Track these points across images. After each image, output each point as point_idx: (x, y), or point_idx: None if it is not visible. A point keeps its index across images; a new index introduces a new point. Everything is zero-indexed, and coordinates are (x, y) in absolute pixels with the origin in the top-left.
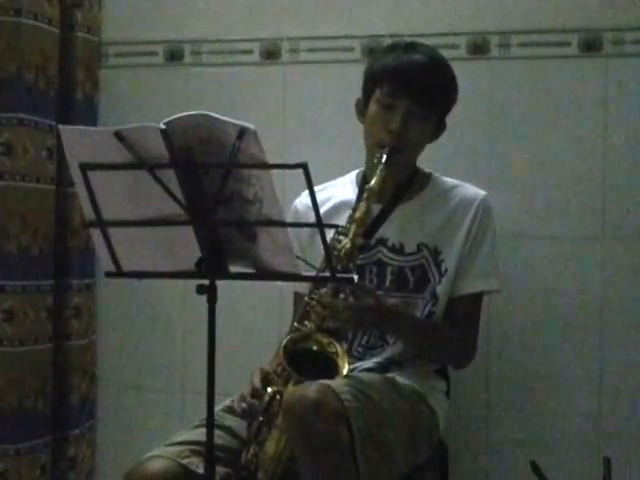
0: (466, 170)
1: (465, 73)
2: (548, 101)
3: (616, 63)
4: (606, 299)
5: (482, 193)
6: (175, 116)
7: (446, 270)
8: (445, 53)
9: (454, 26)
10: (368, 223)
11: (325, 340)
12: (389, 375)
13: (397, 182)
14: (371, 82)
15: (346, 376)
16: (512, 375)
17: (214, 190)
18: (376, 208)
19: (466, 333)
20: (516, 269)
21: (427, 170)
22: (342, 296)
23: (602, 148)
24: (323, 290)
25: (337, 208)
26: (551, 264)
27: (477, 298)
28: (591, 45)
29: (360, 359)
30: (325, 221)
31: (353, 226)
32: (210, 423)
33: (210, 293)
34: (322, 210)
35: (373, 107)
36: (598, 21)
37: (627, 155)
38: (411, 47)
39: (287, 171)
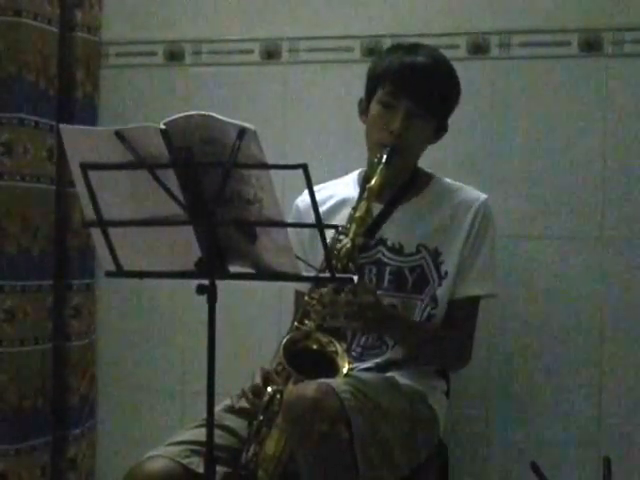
0: (466, 170)
1: (465, 73)
2: (548, 101)
3: (616, 63)
4: (606, 299)
5: (483, 196)
6: (175, 116)
7: (446, 273)
8: (445, 53)
9: (454, 26)
10: (368, 222)
11: (325, 339)
12: (389, 374)
13: (398, 182)
14: (373, 82)
15: (346, 375)
16: (512, 375)
17: (214, 190)
18: (377, 208)
19: (462, 337)
20: (516, 269)
21: (429, 171)
22: (342, 295)
23: (602, 148)
24: (323, 289)
25: (338, 205)
26: (551, 264)
27: (474, 302)
28: (591, 45)
29: (359, 359)
30: (326, 219)
31: (353, 225)
32: (210, 423)
33: (210, 293)
34: (323, 208)
35: (375, 107)
36: (598, 21)
37: (627, 155)
38: (414, 48)
39: (287, 171)
